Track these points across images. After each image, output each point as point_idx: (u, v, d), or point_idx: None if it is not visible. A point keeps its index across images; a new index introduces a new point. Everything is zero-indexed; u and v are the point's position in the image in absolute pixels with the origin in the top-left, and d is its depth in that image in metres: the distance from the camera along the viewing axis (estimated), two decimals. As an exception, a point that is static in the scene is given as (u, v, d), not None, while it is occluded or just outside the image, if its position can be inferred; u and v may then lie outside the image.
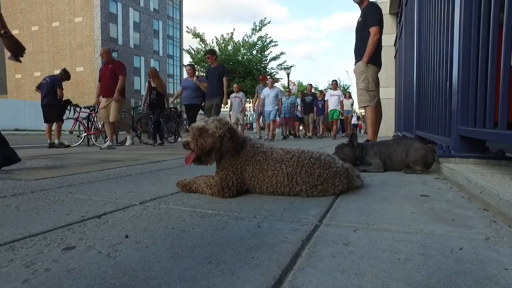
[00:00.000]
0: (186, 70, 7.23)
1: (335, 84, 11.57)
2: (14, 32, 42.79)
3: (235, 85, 10.25)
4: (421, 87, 3.78)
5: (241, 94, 9.88)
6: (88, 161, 3.36)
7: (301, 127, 13.04)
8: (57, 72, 6.95)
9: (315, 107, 11.41)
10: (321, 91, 12.77)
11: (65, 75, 6.58)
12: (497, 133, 1.64)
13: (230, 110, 9.77)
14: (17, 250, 0.91)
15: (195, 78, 6.92)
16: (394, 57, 8.85)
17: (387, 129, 9.11)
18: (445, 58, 2.52)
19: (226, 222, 1.17)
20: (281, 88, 11.18)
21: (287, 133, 11.71)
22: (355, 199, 1.53)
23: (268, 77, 11.03)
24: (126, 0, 40.84)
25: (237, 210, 1.33)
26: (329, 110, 10.91)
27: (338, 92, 10.95)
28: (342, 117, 12.34)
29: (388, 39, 8.40)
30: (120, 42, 40.27)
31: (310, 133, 11.76)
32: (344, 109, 11.67)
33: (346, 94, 12.44)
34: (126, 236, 1.02)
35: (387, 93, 8.82)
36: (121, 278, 0.74)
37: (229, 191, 1.57)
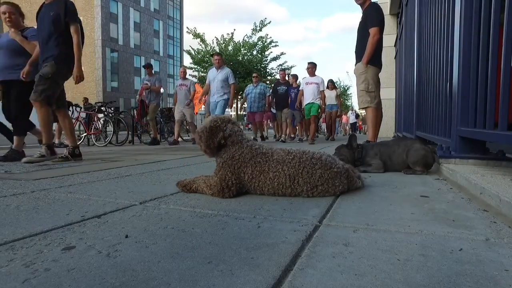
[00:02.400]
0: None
1: (331, 85, 9.46)
2: (15, 32, 42.79)
3: (181, 69, 7.75)
4: (421, 87, 3.78)
5: (189, 81, 7.38)
6: (88, 161, 3.36)
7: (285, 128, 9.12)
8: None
9: (290, 100, 8.41)
10: (294, 75, 9.22)
11: None
12: (497, 134, 1.64)
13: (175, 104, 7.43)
14: (17, 250, 0.91)
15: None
16: (395, 58, 8.85)
17: (387, 129, 9.10)
18: (445, 58, 2.52)
19: (226, 222, 1.17)
20: (267, 85, 9.97)
21: (260, 134, 8.88)
22: (355, 200, 1.53)
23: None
24: (126, 0, 40.85)
25: (237, 211, 1.33)
26: (304, 103, 7.45)
27: (318, 78, 7.40)
28: (322, 114, 9.53)
29: (389, 39, 8.39)
30: (120, 42, 40.28)
31: (284, 135, 8.59)
32: (327, 102, 8.87)
33: (329, 84, 9.21)
34: (126, 236, 1.02)
35: (387, 93, 8.81)
36: (121, 278, 0.74)
37: (229, 191, 1.57)
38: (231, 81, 6.49)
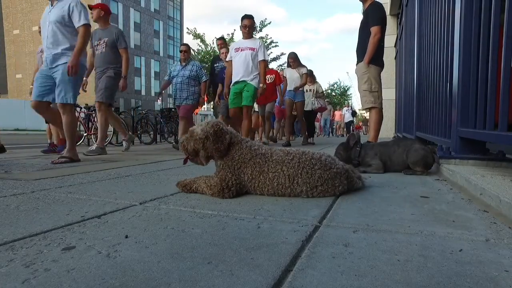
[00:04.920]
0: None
1: (293, 60, 6.45)
2: (15, 32, 43.07)
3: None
4: (421, 88, 3.78)
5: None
6: (88, 161, 3.36)
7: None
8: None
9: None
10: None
11: None
12: (498, 135, 1.64)
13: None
14: (17, 250, 0.91)
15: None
16: (395, 58, 8.85)
17: (387, 130, 9.10)
18: (445, 59, 2.52)
19: (226, 222, 1.17)
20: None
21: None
22: (355, 200, 1.53)
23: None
24: (126, 1, 40.87)
25: (237, 211, 1.33)
26: (233, 81, 4.70)
27: (255, 42, 4.69)
28: (279, 106, 7.22)
29: (389, 40, 8.38)
30: (120, 42, 40.28)
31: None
32: (288, 88, 6.43)
33: (290, 58, 6.56)
34: (126, 236, 1.02)
35: (388, 94, 8.78)
36: (121, 278, 0.73)
37: (229, 191, 1.57)
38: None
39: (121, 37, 4.49)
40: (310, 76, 7.17)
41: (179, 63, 5.72)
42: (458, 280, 0.73)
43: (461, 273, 0.77)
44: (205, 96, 5.36)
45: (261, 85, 4.73)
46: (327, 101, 19.32)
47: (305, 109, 7.04)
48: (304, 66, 6.61)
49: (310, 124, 7.53)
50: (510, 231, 1.06)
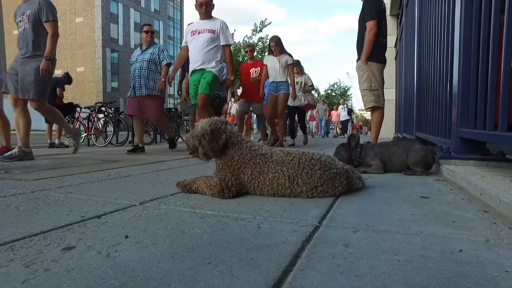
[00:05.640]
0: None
1: (276, 45, 5.31)
2: (15, 32, 42.92)
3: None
4: (421, 88, 3.77)
5: None
6: (88, 161, 3.36)
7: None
8: (57, 72, 7.00)
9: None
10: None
11: (67, 78, 6.69)
12: (498, 135, 1.64)
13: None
14: (16, 250, 0.91)
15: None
16: (395, 59, 8.85)
17: (388, 130, 9.10)
18: (445, 59, 2.52)
19: (226, 223, 1.17)
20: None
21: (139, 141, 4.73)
22: (355, 200, 1.53)
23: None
24: (127, 1, 40.88)
25: (237, 211, 1.33)
26: (190, 71, 3.95)
27: (214, 23, 3.83)
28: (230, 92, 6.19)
29: (389, 40, 8.39)
30: (120, 42, 40.30)
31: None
32: (270, 79, 5.34)
33: (272, 43, 5.40)
34: (126, 237, 1.01)
35: (388, 94, 8.73)
36: (121, 279, 0.73)
37: (229, 191, 1.57)
38: None
39: (46, 7, 3.29)
40: (297, 67, 6.18)
41: (139, 47, 4.67)
42: (458, 280, 0.73)
43: (461, 273, 0.77)
44: (167, 80, 4.38)
45: (230, 77, 3.97)
46: (322, 100, 18.52)
47: (290, 104, 6.08)
48: (288, 53, 5.41)
49: (292, 122, 6.68)
50: (510, 232, 1.06)
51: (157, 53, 4.48)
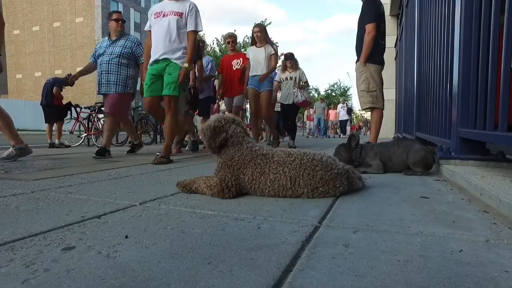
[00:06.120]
0: None
1: (260, 31, 4.95)
2: (15, 32, 43.08)
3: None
4: (421, 88, 3.78)
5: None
6: (88, 161, 3.36)
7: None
8: (57, 72, 6.99)
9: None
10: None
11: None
12: (498, 135, 1.64)
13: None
14: (16, 250, 0.91)
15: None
16: (395, 59, 8.86)
17: (387, 130, 9.10)
18: (445, 59, 2.52)
19: (226, 223, 1.17)
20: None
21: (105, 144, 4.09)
22: (355, 201, 1.53)
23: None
24: (127, 1, 40.91)
25: (237, 211, 1.33)
26: (151, 60, 3.28)
27: (182, 5, 3.18)
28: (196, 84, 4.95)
29: (389, 40, 8.39)
30: (121, 42, 40.33)
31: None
32: (252, 73, 4.98)
33: (255, 29, 5.03)
34: (126, 237, 1.02)
35: (388, 94, 8.73)
36: (121, 279, 0.73)
37: (229, 191, 1.57)
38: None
39: None
40: (291, 60, 5.65)
41: (106, 37, 4.06)
42: (458, 280, 0.73)
43: (461, 273, 0.77)
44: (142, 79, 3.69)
45: (185, 64, 3.14)
46: (321, 99, 18.19)
47: (284, 102, 5.58)
48: (273, 43, 5.02)
49: (289, 121, 5.92)
50: (510, 232, 1.06)
51: (129, 46, 3.94)
